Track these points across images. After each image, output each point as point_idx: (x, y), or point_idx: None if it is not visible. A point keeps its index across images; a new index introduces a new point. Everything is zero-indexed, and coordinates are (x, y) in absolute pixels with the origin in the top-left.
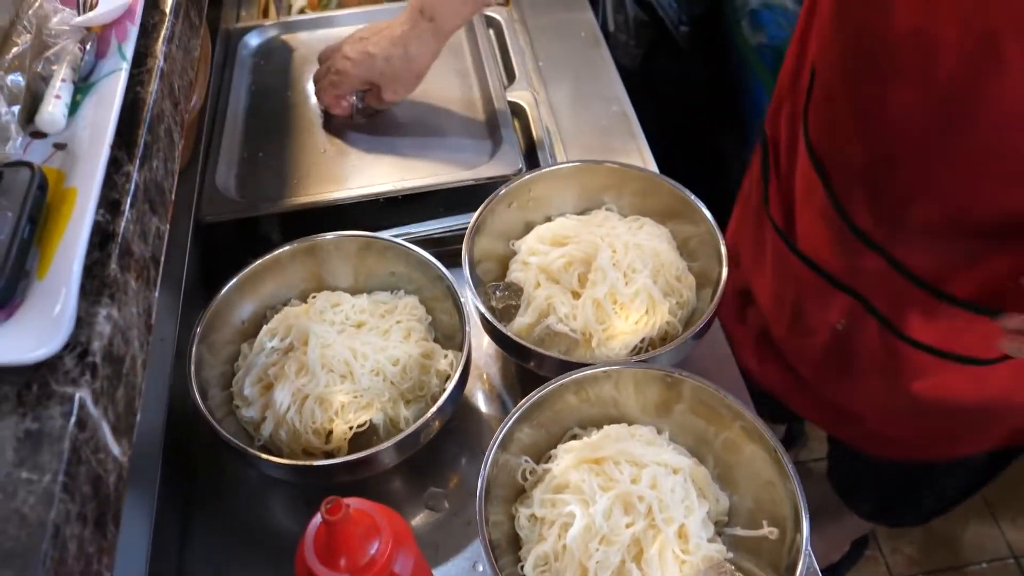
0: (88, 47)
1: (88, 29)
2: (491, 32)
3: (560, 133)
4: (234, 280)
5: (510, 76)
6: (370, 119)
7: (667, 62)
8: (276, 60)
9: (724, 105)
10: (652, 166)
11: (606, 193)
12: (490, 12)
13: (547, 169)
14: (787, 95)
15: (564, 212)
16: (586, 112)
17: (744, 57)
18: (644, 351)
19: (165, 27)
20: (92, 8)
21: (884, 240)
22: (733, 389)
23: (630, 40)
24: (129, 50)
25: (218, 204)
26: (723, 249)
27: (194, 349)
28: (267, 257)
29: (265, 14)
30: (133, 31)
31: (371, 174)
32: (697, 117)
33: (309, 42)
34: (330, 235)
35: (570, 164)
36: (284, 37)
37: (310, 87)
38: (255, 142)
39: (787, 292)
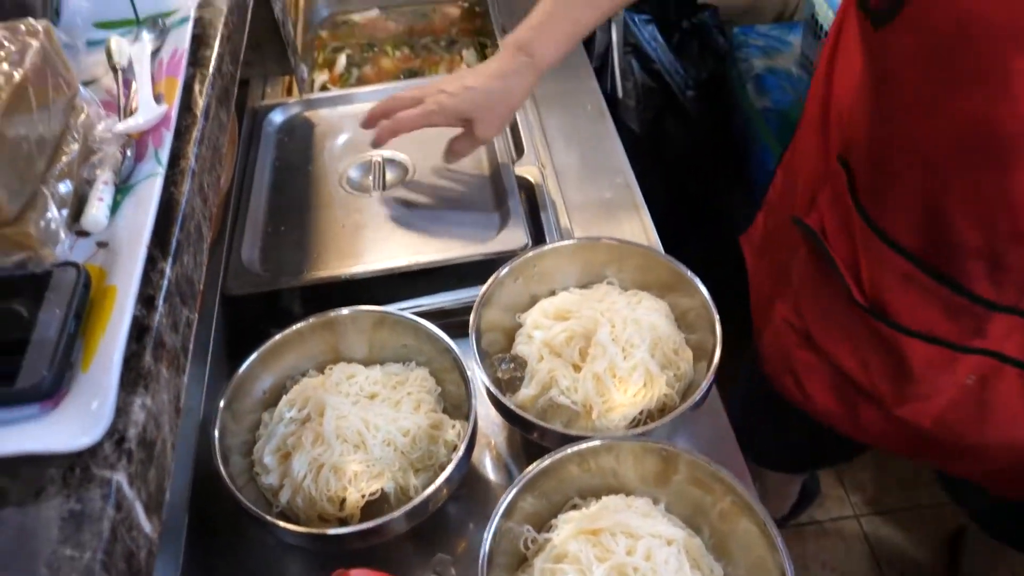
0: (128, 152)
1: (128, 135)
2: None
3: (566, 205)
4: (257, 353)
5: (519, 150)
6: (385, 192)
7: (674, 126)
8: (299, 135)
9: (730, 166)
10: (654, 237)
11: (608, 267)
12: None
13: (551, 246)
14: (816, 178)
15: (568, 286)
16: (591, 184)
17: (749, 120)
18: (643, 422)
19: (196, 129)
20: (132, 113)
21: (1014, 301)
22: (729, 458)
23: (638, 105)
24: (164, 155)
25: (243, 278)
26: (716, 323)
27: (218, 419)
28: (288, 331)
29: (289, 92)
30: (168, 136)
31: (386, 248)
32: (704, 178)
33: (330, 118)
34: (347, 310)
35: (572, 242)
36: (306, 113)
37: (331, 161)
38: (278, 216)
39: (889, 363)
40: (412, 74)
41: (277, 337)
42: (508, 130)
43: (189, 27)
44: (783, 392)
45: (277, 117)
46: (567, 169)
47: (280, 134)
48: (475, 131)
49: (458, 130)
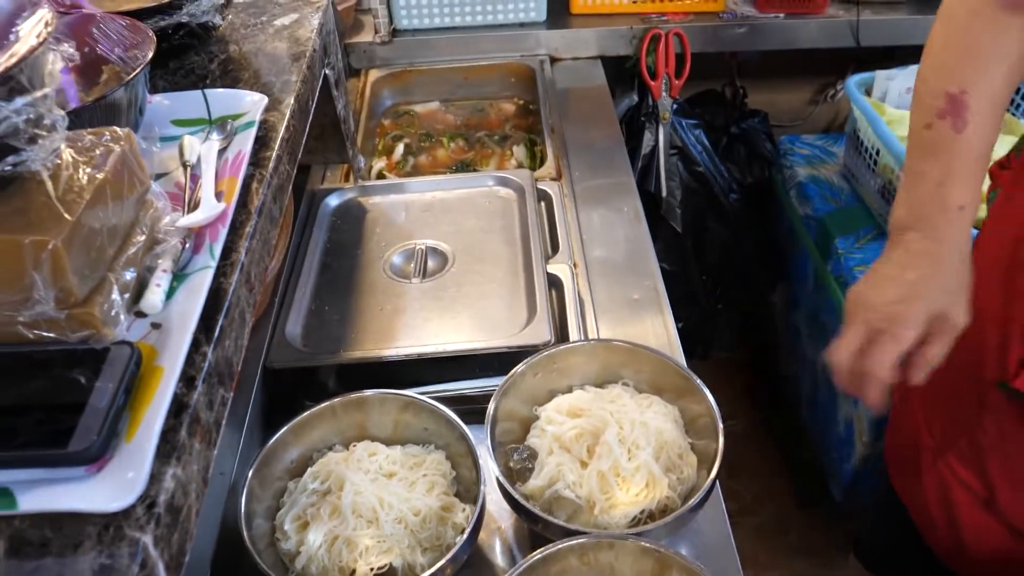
0: (187, 243)
1: (189, 228)
2: (542, 205)
3: (593, 304)
4: (288, 426)
5: (554, 247)
6: (424, 280)
7: (717, 226)
8: (351, 219)
9: (769, 269)
10: (675, 342)
11: (624, 368)
12: (542, 186)
13: (571, 345)
14: (1005, 329)
15: (585, 383)
16: (620, 285)
17: (791, 226)
18: (644, 522)
19: (249, 225)
20: (195, 207)
21: None
22: (726, 564)
23: (682, 205)
24: (218, 249)
25: (285, 352)
26: (720, 431)
27: (246, 486)
28: (321, 406)
29: (347, 178)
30: (223, 232)
31: (419, 334)
32: (743, 278)
33: (381, 204)
34: (376, 392)
35: (592, 342)
36: (360, 199)
37: (377, 247)
38: (324, 296)
39: None
40: (464, 166)
41: (309, 412)
42: (546, 225)
43: (253, 131)
44: (933, 537)
45: (333, 201)
46: (599, 268)
47: (334, 217)
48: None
49: (485, 222)
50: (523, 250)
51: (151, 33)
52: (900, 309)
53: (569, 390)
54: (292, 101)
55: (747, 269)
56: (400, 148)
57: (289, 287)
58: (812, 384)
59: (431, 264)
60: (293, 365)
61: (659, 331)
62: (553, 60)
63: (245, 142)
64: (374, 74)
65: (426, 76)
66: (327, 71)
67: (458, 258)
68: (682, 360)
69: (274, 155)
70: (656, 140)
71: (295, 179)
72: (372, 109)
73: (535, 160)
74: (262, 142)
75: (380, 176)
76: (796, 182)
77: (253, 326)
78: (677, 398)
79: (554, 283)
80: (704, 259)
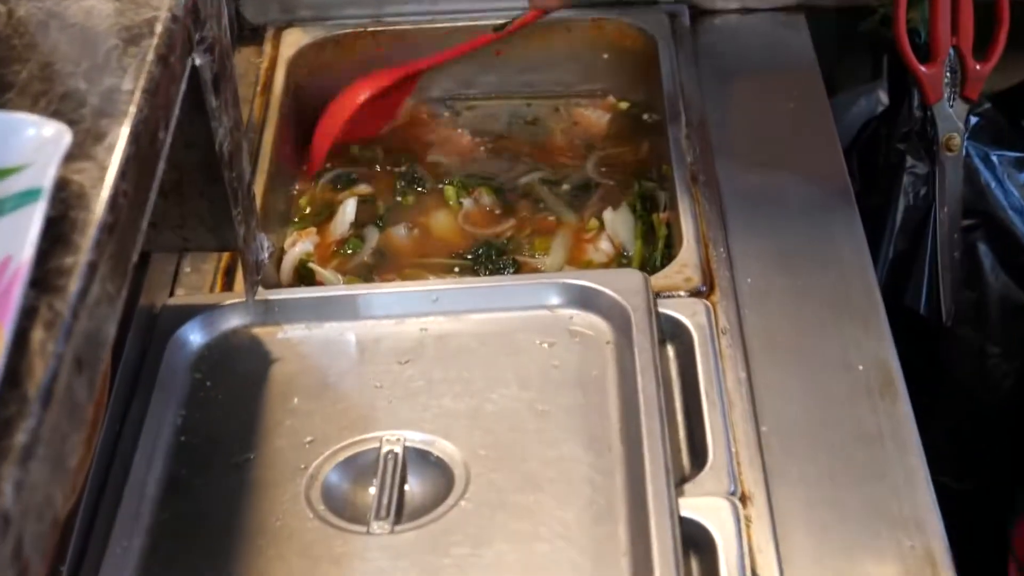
0: None
1: None
2: (671, 353)
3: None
4: None
5: (697, 457)
6: (399, 529)
7: None
8: (237, 378)
9: None
10: None
11: None
12: (670, 308)
13: None
14: None
15: None
16: (848, 546)
17: None
18: None
19: (23, 432)
20: None
21: None
22: None
23: (993, 340)
24: None
25: None
26: None
27: None
28: None
29: (227, 284)
30: None
31: None
32: None
33: (307, 344)
34: None
35: None
36: (257, 331)
37: (297, 442)
38: (166, 558)
39: None
40: (494, 255)
41: None
42: (679, 409)
43: (40, 210)
44: None
45: (197, 335)
46: (799, 506)
47: (199, 371)
48: None
49: None
50: (625, 463)
51: None
52: None
53: None
54: (126, 134)
55: None
56: (349, 208)
57: (94, 535)
58: None
59: (416, 489)
60: None
61: None
62: (698, 13)
63: (19, 237)
64: (295, 39)
65: (409, 44)
66: (198, 58)
67: (476, 476)
68: None
69: (82, 265)
70: (931, 192)
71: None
72: (288, 118)
73: (654, 243)
74: (58, 235)
75: (303, 276)
76: None
77: None
78: None
79: (695, 540)
80: None
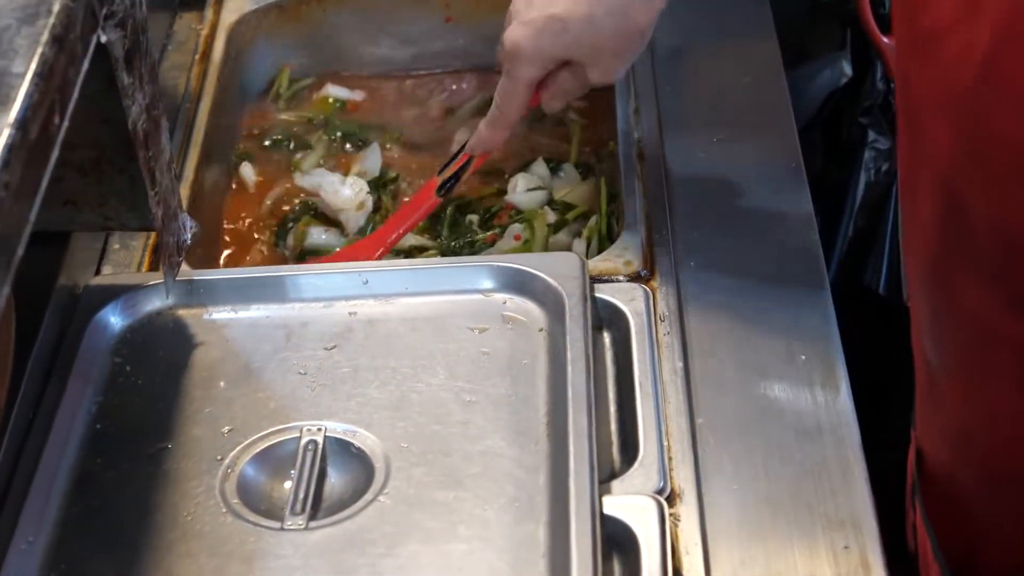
0: None
1: None
2: (606, 341)
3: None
4: None
5: (627, 451)
6: (315, 525)
7: None
8: (155, 363)
9: None
10: None
11: None
12: (608, 293)
13: None
14: None
15: None
16: (771, 551)
17: None
18: None
19: None
20: None
21: None
22: None
23: None
24: None
25: None
26: None
27: None
28: None
29: (151, 263)
30: None
31: None
32: None
33: (230, 328)
34: None
35: None
36: (180, 312)
37: (215, 430)
38: (77, 549)
39: None
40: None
41: None
42: (610, 400)
43: None
44: None
45: (116, 319)
46: (730, 508)
47: (118, 357)
48: (588, 75)
49: None
50: (550, 457)
51: None
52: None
53: None
54: (9, 121)
55: None
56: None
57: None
58: None
59: (336, 480)
60: None
61: None
62: None
63: None
64: (237, 4)
65: (354, 9)
66: (107, 34)
67: (397, 470)
68: None
69: None
70: (893, 167)
71: (30, 268)
72: (228, 88)
73: (597, 227)
74: None
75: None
76: None
77: None
78: None
79: (618, 540)
80: None
